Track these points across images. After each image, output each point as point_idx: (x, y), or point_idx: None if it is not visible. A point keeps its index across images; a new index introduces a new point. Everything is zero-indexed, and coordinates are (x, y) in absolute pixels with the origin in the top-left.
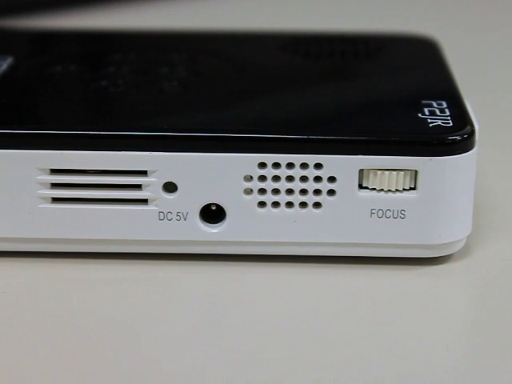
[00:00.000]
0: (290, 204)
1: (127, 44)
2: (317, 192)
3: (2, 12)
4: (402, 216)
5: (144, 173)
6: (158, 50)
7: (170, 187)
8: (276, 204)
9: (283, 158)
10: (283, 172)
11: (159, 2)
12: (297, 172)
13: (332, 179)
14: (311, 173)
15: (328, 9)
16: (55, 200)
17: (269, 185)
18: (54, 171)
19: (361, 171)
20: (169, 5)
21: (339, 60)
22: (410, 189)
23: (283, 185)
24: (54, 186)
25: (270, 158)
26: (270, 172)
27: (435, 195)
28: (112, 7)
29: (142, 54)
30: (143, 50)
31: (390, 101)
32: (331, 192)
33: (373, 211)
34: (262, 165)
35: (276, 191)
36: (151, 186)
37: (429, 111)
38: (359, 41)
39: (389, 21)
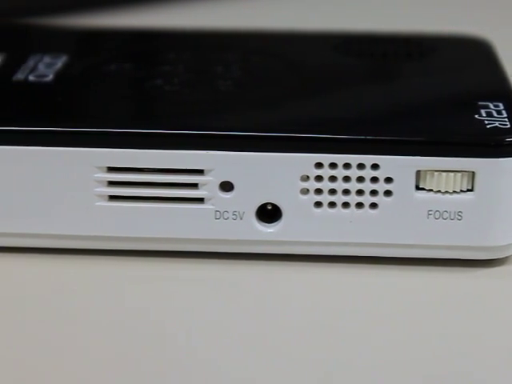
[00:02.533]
0: (346, 204)
1: (181, 43)
2: (373, 193)
3: (56, 10)
4: (459, 217)
5: (201, 172)
6: (212, 49)
7: (226, 186)
8: (332, 204)
9: (340, 159)
10: (340, 172)
11: (212, 0)
12: (353, 172)
13: (389, 180)
14: (368, 173)
15: (380, 9)
16: (112, 198)
17: (325, 185)
18: (111, 169)
19: (418, 172)
20: (222, 4)
21: (393, 61)
22: (467, 190)
23: (340, 185)
24: (111, 183)
25: (326, 158)
26: (326, 172)
27: (492, 197)
28: (166, 6)
29: (196, 53)
30: (197, 49)
31: (446, 102)
32: (388, 193)
33: (429, 212)
34: (319, 165)
35: (332, 191)
36: (208, 185)
37: (485, 113)
38: (413, 41)
39: (442, 21)
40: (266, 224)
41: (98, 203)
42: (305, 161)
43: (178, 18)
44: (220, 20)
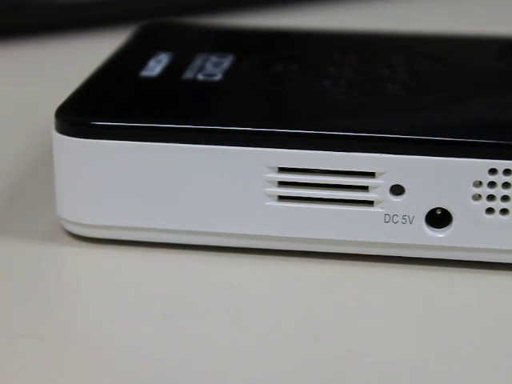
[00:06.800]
0: None
1: (344, 44)
2: None
3: (218, 9)
4: None
5: (372, 174)
6: (376, 51)
7: (397, 190)
8: (504, 211)
9: None
10: None
11: (375, 2)
12: None
13: None
14: None
15: None
16: (281, 198)
17: (498, 191)
18: (282, 169)
19: None
20: (384, 5)
21: None
22: None
23: None
24: (281, 184)
25: (501, 164)
26: (500, 178)
27: None
28: (324, 6)
29: (359, 55)
30: (360, 51)
31: None
32: None
33: None
34: (493, 171)
35: (505, 198)
36: (378, 188)
37: None
38: None
39: None
40: (436, 229)
41: (267, 203)
42: (478, 166)
43: (337, 19)
44: (381, 21)
